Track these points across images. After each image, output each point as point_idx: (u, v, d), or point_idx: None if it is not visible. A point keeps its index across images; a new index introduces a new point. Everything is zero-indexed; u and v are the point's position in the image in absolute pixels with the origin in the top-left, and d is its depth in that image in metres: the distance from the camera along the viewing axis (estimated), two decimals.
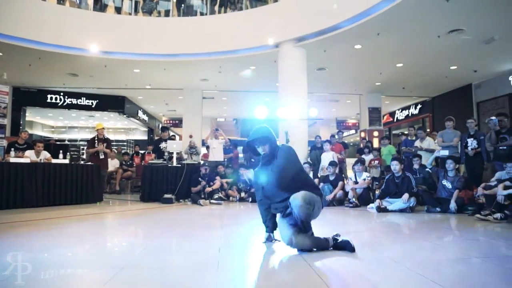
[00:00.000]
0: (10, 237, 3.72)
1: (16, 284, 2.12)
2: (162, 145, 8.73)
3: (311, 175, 7.51)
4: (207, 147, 9.70)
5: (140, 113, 17.76)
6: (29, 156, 6.79)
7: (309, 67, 9.69)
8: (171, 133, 9.40)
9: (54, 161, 7.03)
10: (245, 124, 21.67)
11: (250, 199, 7.75)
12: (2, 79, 11.56)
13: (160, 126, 13.10)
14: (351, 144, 19.99)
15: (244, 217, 5.84)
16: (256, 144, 3.22)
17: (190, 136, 10.67)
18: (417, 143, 8.14)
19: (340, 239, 3.08)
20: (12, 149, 7.22)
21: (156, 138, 9.66)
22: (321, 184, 7.34)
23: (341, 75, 11.91)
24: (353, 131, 20.50)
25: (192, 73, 11.81)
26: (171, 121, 18.47)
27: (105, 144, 8.26)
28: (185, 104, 13.94)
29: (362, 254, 2.95)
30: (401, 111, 17.13)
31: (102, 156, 8.18)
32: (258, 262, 2.82)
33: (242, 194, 8.02)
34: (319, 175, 8.40)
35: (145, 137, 20.85)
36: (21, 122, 13.82)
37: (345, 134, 19.72)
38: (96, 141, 8.20)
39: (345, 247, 2.99)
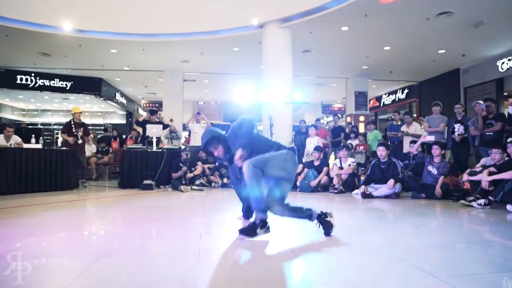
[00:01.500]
0: None
1: None
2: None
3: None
4: (189, 132, 9.62)
5: (118, 96, 17.45)
6: None
7: (294, 49, 9.65)
8: (157, 118, 9.28)
9: (25, 146, 6.88)
10: (228, 107, 21.55)
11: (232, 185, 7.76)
12: None
13: (149, 110, 13.06)
14: None
15: (226, 203, 5.85)
16: (209, 148, 3.24)
17: (171, 120, 10.57)
18: (404, 128, 8.26)
19: (329, 218, 3.12)
20: None
21: (140, 119, 9.50)
22: (306, 169, 7.40)
23: (327, 57, 11.92)
24: (339, 116, 20.62)
25: (173, 54, 11.62)
26: (150, 104, 18.24)
27: (81, 129, 8.05)
28: (165, 87, 13.75)
29: (346, 240, 3.00)
30: (388, 96, 17.31)
31: (80, 141, 7.98)
32: (240, 249, 2.84)
33: (225, 180, 8.02)
34: (303, 161, 8.45)
35: (124, 121, 20.54)
36: None
37: (330, 118, 19.84)
38: (72, 126, 7.97)
39: (326, 228, 3.08)
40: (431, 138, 7.06)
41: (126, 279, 2.11)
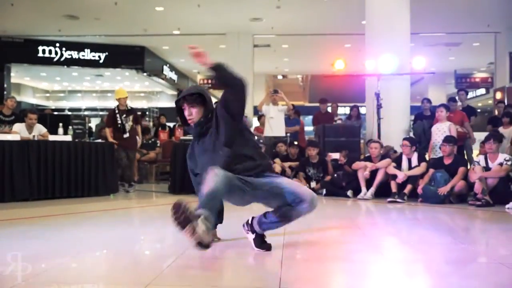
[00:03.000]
0: None
1: None
2: None
3: (415, 155, 7.31)
4: (260, 117, 9.71)
5: (166, 70, 18.00)
6: (19, 132, 7.09)
7: None
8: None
9: (51, 137, 7.32)
10: (316, 83, 21.44)
11: (324, 192, 7.72)
12: None
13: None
14: (479, 111, 19.18)
15: (318, 216, 5.81)
16: (184, 103, 3.43)
17: None
18: None
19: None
20: None
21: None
22: (431, 170, 7.12)
23: (463, 3, 11.33)
24: (482, 91, 19.62)
25: (239, 11, 11.77)
26: (209, 81, 18.72)
27: (131, 117, 8.25)
28: (229, 56, 13.99)
29: (498, 277, 2.82)
30: None
31: (126, 135, 8.24)
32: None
33: (312, 184, 7.99)
34: (428, 157, 8.14)
35: (174, 104, 21.26)
36: (5, 86, 14.49)
37: (469, 95, 18.96)
38: (117, 115, 8.17)
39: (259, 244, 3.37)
40: None
41: None
